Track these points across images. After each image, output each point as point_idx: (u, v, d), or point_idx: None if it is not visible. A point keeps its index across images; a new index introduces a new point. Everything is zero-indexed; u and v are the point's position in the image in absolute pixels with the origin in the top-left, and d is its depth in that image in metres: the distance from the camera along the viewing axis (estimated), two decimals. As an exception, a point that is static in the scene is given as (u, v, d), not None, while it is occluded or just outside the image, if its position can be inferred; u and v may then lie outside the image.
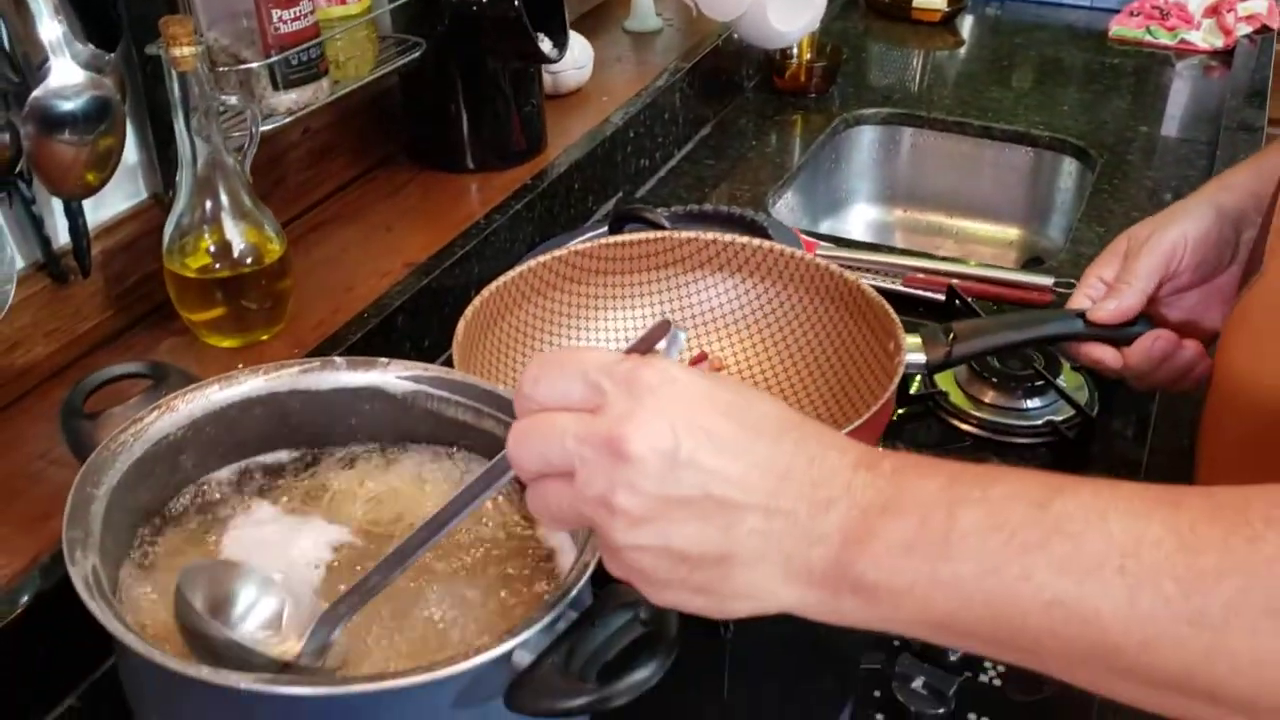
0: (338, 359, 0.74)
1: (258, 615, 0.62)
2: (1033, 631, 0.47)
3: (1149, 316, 0.91)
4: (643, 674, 0.54)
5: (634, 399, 0.49)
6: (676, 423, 0.49)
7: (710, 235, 1.01)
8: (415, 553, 0.58)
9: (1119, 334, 0.91)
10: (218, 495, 0.73)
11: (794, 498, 0.49)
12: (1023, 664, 0.49)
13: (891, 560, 0.48)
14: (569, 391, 0.51)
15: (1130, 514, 0.46)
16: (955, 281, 1.12)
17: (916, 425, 1.03)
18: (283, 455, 0.75)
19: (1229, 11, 1.83)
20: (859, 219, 1.65)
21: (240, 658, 0.58)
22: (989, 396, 1.02)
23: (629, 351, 0.53)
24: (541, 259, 0.99)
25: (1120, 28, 1.88)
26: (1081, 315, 0.92)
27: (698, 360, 1.00)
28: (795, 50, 1.63)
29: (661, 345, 0.53)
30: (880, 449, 0.52)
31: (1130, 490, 0.47)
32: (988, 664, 0.79)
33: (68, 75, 0.84)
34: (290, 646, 0.60)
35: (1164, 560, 0.45)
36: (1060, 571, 0.46)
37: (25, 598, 0.74)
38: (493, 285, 0.95)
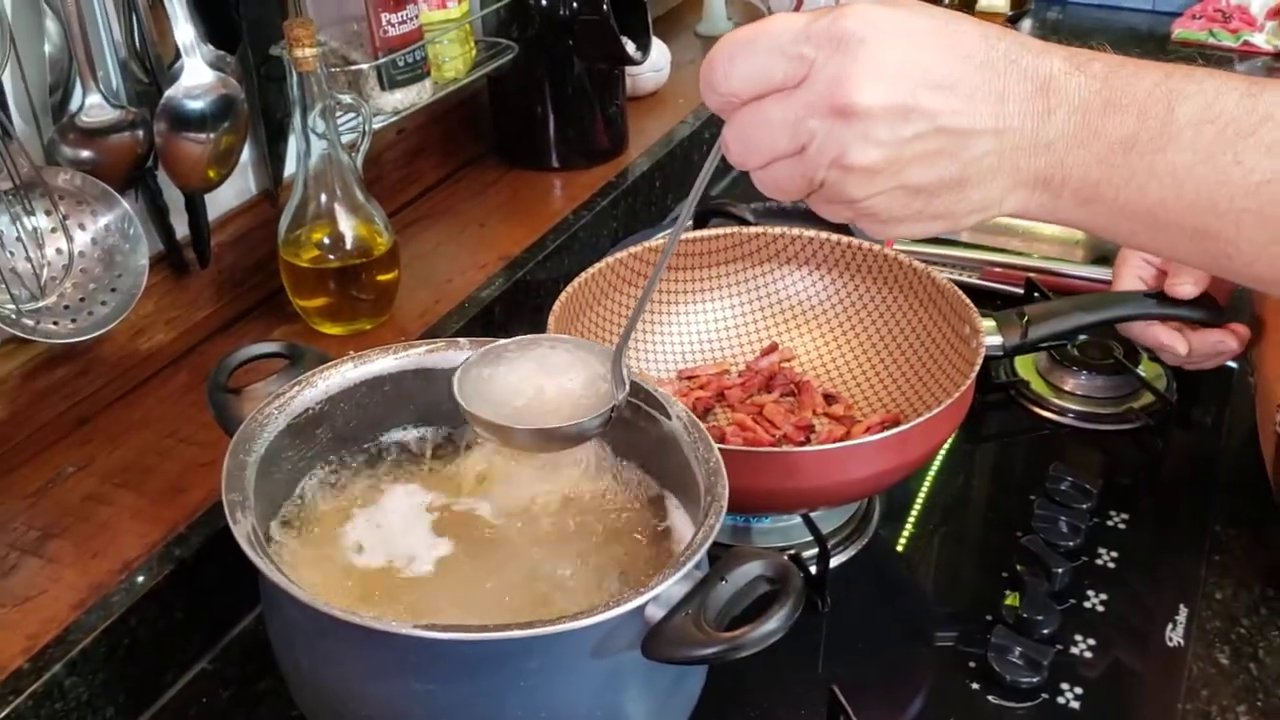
0: (461, 340, 0.78)
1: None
2: (1238, 213, 0.51)
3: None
4: (772, 624, 0.58)
5: (844, 54, 0.49)
6: (895, 68, 0.49)
7: (791, 230, 1.05)
8: (657, 275, 0.62)
9: (1190, 313, 0.93)
10: (351, 468, 0.77)
11: (1018, 114, 0.51)
12: (1205, 257, 0.54)
13: (1111, 156, 0.51)
14: (769, 70, 0.50)
15: None
16: (1033, 275, 1.15)
17: (1000, 413, 1.06)
18: (410, 431, 0.79)
19: (1293, 13, 1.84)
20: (926, 218, 1.67)
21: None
22: (1069, 384, 1.05)
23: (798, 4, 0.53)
24: (630, 250, 1.03)
25: (1183, 30, 1.89)
26: (1154, 296, 0.94)
27: (769, 351, 1.03)
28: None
29: None
30: (1085, 50, 0.53)
31: None
32: (1079, 637, 0.82)
33: (198, 76, 0.90)
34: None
35: None
36: (1270, 153, 0.50)
37: (164, 566, 0.79)
38: (581, 277, 0.98)
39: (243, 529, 0.63)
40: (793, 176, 0.53)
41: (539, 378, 0.71)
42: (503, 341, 0.73)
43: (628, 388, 0.68)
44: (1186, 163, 0.51)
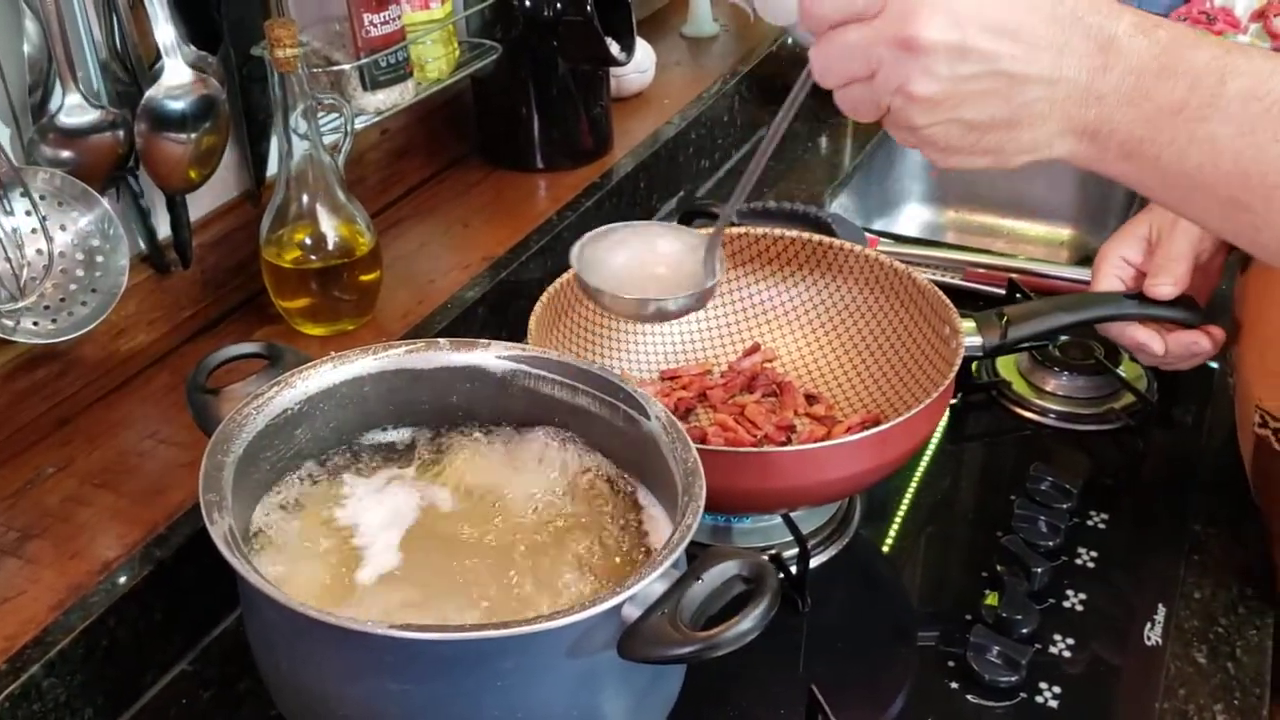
0: (441, 340, 0.78)
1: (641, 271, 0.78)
2: (1269, 189, 0.55)
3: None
4: (747, 624, 0.58)
5: None
6: (959, 11, 0.54)
7: (774, 231, 1.05)
8: (751, 180, 0.71)
9: (1169, 313, 0.94)
10: (331, 469, 0.77)
11: (1074, 67, 0.55)
12: (1237, 227, 0.58)
13: (1159, 118, 0.55)
14: (852, 1, 0.56)
15: None
16: (1015, 276, 1.15)
17: (981, 413, 1.07)
18: (391, 432, 0.80)
19: (1276, 16, 1.85)
20: (912, 219, 1.68)
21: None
22: (1051, 385, 1.05)
23: None
24: (615, 252, 1.03)
25: (1168, 32, 1.90)
26: (1133, 296, 0.95)
27: (751, 351, 1.04)
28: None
29: None
30: (1155, 17, 0.57)
31: None
32: (1057, 637, 0.82)
33: (179, 76, 0.90)
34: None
35: None
36: None
37: (144, 567, 0.79)
38: (563, 278, 0.98)
39: (220, 530, 0.63)
40: (864, 99, 0.58)
41: (648, 258, 0.79)
42: (616, 225, 0.81)
43: (718, 276, 0.77)
44: (1228, 134, 0.55)
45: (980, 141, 0.58)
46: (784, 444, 0.92)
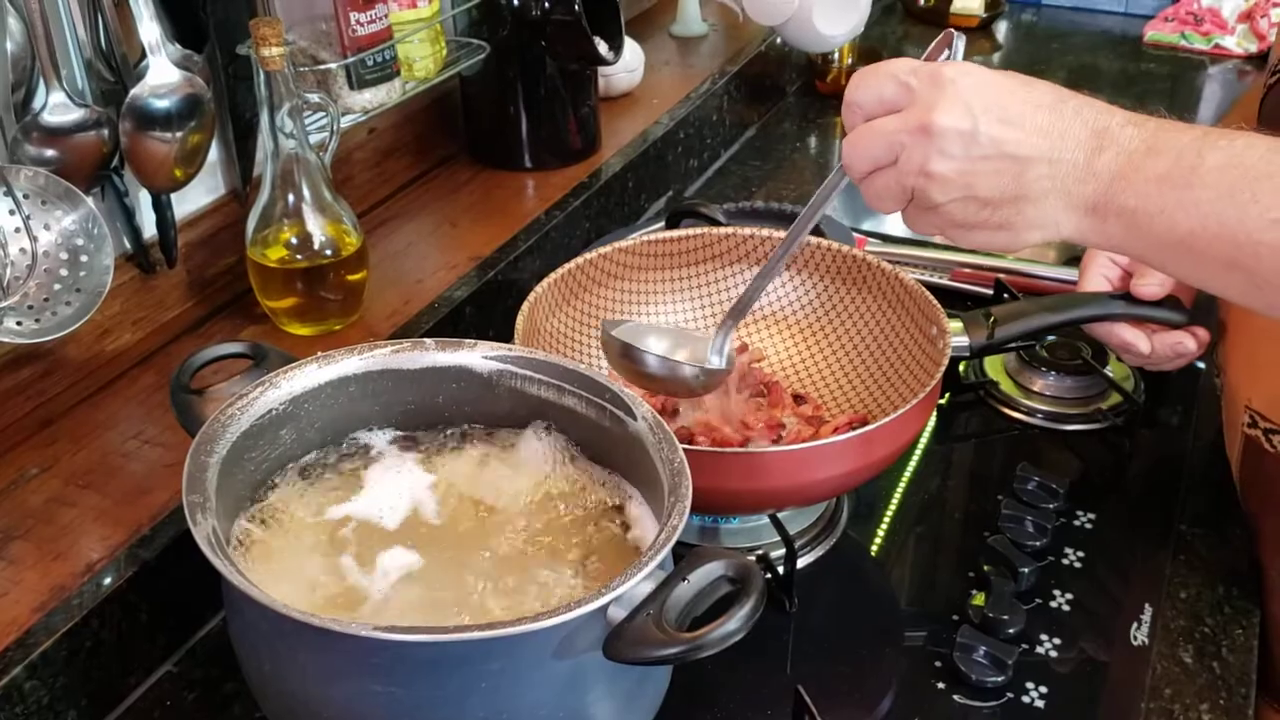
0: (427, 340, 0.78)
1: (662, 344, 0.84)
2: (1255, 248, 0.60)
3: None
4: (732, 625, 0.58)
5: (937, 89, 0.63)
6: (973, 104, 0.62)
7: (761, 231, 1.04)
8: (775, 267, 0.78)
9: (1156, 314, 0.94)
10: (317, 469, 0.77)
11: (1073, 149, 0.63)
12: (1239, 287, 0.63)
13: (1147, 188, 0.62)
14: (883, 90, 0.65)
15: None
16: (1003, 276, 1.15)
17: (969, 413, 1.07)
18: (377, 432, 0.79)
19: (1263, 16, 1.85)
20: (899, 220, 1.68)
21: (671, 371, 0.82)
22: (1038, 385, 1.06)
23: (923, 60, 0.68)
24: (601, 250, 1.03)
25: (1155, 33, 1.91)
26: (1120, 297, 0.95)
27: (739, 351, 1.04)
28: (836, 55, 1.67)
29: (946, 54, 0.68)
30: (1143, 114, 0.65)
31: None
32: (1044, 636, 0.82)
33: (164, 75, 0.89)
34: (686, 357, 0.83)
35: None
36: None
37: (128, 568, 0.78)
38: (551, 277, 0.98)
39: (203, 531, 0.62)
40: (889, 184, 0.66)
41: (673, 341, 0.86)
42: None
43: (723, 363, 0.83)
44: (1210, 198, 0.61)
45: (993, 217, 0.65)
46: (774, 443, 0.92)
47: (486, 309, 1.11)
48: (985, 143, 0.63)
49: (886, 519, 0.95)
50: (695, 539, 0.90)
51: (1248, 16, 1.87)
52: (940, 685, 0.79)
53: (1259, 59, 1.83)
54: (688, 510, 0.64)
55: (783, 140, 1.60)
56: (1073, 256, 1.55)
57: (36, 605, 0.75)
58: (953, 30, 0.69)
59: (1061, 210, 0.64)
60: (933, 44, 0.69)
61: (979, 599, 0.84)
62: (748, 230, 1.05)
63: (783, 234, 1.04)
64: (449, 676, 0.59)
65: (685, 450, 0.69)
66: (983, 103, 0.63)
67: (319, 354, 0.76)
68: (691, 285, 1.06)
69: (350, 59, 1.04)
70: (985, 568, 0.86)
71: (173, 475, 0.86)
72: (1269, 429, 0.88)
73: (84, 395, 0.95)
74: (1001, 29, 2.00)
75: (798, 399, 0.99)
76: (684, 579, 0.60)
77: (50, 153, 0.86)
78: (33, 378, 0.92)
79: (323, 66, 1.04)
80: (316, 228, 0.99)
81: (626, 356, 0.83)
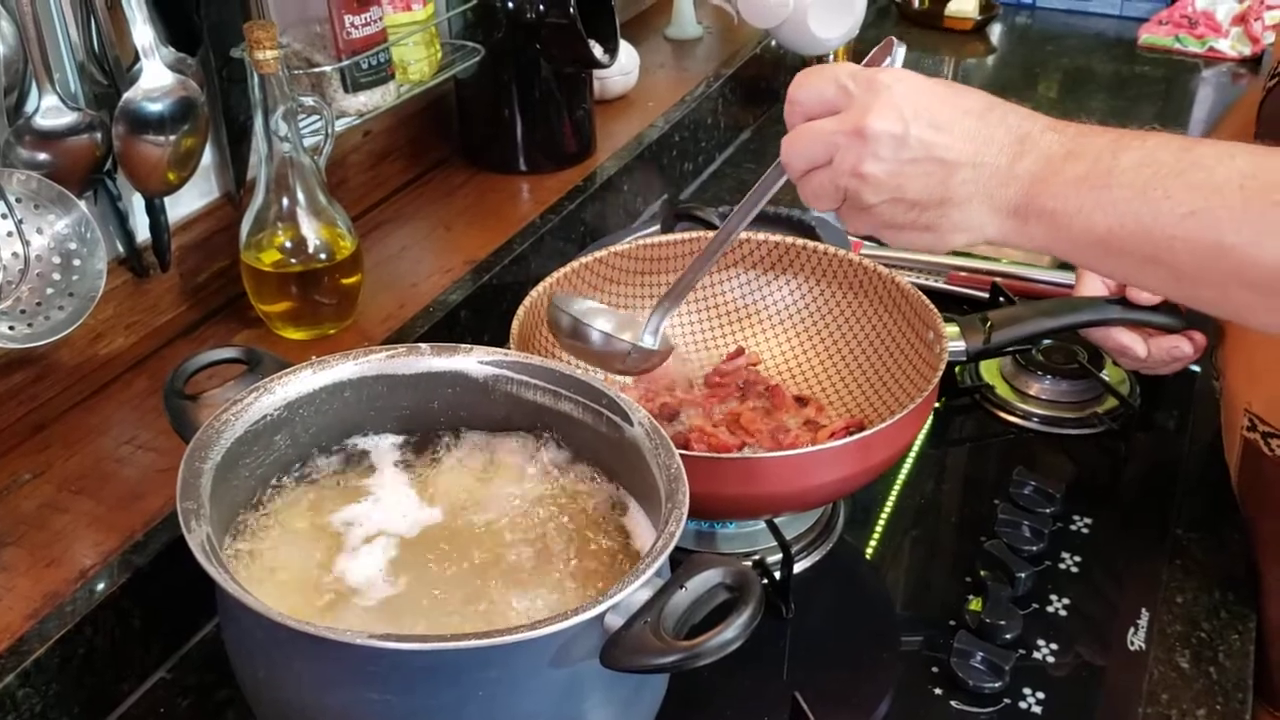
0: (423, 345, 0.78)
1: (606, 323, 0.86)
2: (1169, 242, 0.62)
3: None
4: (730, 633, 0.57)
5: (872, 94, 0.65)
6: (905, 109, 0.65)
7: (758, 235, 1.04)
8: (713, 256, 0.80)
9: (1152, 318, 0.94)
10: (312, 475, 0.77)
11: (995, 154, 0.65)
12: (1161, 281, 0.65)
13: (1066, 190, 0.64)
14: (824, 92, 0.67)
15: (1253, 153, 0.62)
16: (999, 279, 1.15)
17: (964, 417, 1.07)
18: (372, 438, 0.79)
19: (1256, 20, 1.86)
20: (895, 222, 1.68)
21: (607, 347, 0.85)
22: (1034, 389, 1.05)
23: (864, 65, 0.70)
24: (597, 255, 1.03)
25: (1150, 36, 1.91)
26: (1116, 301, 0.95)
27: (735, 355, 1.03)
28: (831, 58, 1.66)
29: (888, 60, 0.70)
30: (1065, 121, 0.67)
31: (1260, 145, 0.63)
32: (1041, 642, 0.82)
33: (158, 78, 0.89)
34: (630, 338, 0.85)
35: (1276, 179, 0.60)
36: (1194, 190, 0.61)
37: (121, 574, 0.78)
38: (546, 281, 0.98)
39: (197, 538, 0.62)
40: (824, 184, 0.68)
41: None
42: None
43: (656, 343, 0.86)
44: (1125, 197, 0.63)
45: (920, 218, 0.67)
46: (778, 449, 0.91)
47: (482, 313, 1.11)
48: (915, 146, 0.65)
49: (883, 524, 0.95)
50: (692, 544, 0.90)
51: (1242, 20, 1.87)
52: (937, 691, 0.79)
53: (1253, 62, 1.83)
54: (684, 517, 0.64)
55: (778, 143, 1.59)
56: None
57: (29, 612, 0.75)
58: (893, 38, 0.71)
59: (985, 213, 0.66)
60: (874, 50, 0.71)
61: (976, 604, 0.84)
62: (744, 233, 1.04)
63: (778, 238, 1.04)
64: (446, 685, 0.59)
65: (682, 456, 0.69)
66: (914, 108, 0.65)
67: (314, 359, 0.76)
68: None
69: (345, 62, 1.03)
70: (982, 573, 0.86)
71: (166, 480, 0.85)
72: (1268, 432, 0.88)
73: (77, 400, 0.95)
74: (996, 32, 2.00)
75: (800, 400, 0.99)
76: (681, 586, 0.60)
77: (43, 156, 0.86)
78: (25, 382, 0.91)
79: (317, 69, 1.04)
80: (311, 231, 0.98)
81: (573, 333, 0.86)
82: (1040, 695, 0.78)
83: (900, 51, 0.70)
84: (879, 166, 0.65)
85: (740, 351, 1.04)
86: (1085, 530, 0.92)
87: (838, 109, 0.67)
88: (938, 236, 0.68)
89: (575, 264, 1.01)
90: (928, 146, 0.65)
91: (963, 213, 0.66)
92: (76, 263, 0.87)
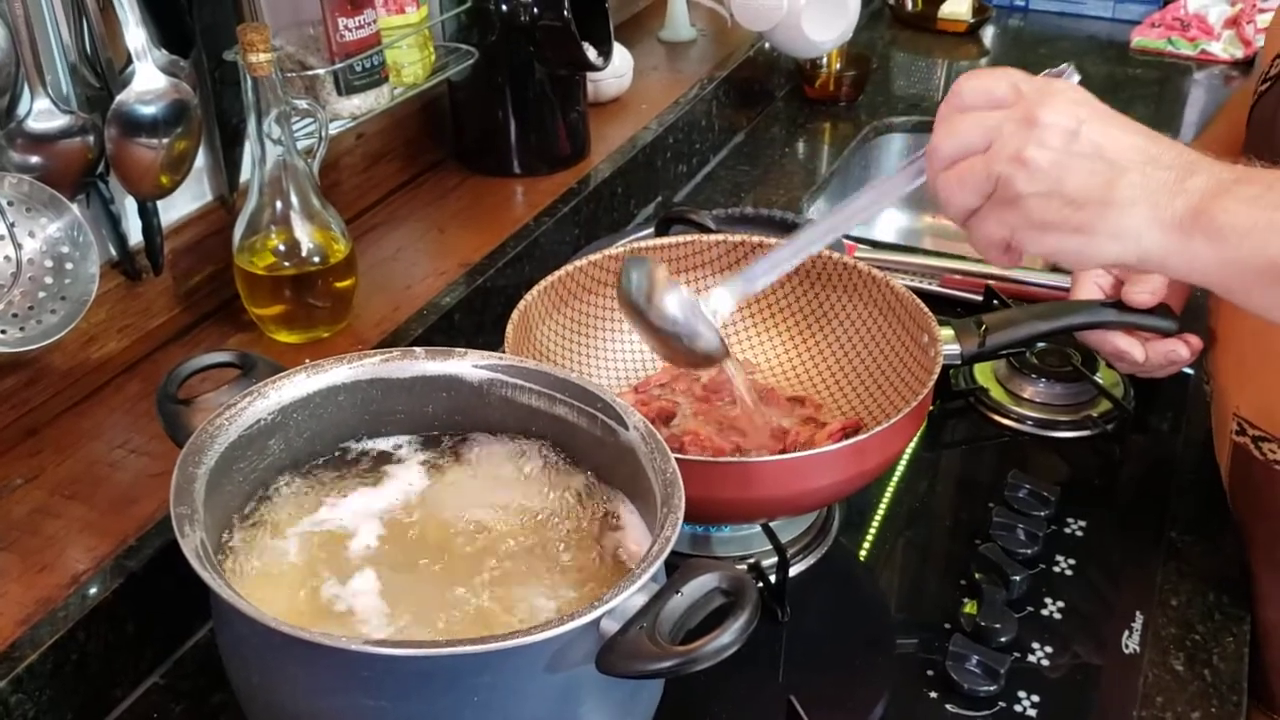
0: (417, 349, 0.77)
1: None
2: None
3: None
4: (726, 638, 0.57)
5: (1046, 92, 0.64)
6: (1079, 109, 0.64)
7: (752, 238, 1.04)
8: (821, 240, 0.74)
9: (1147, 321, 0.94)
10: (306, 479, 0.76)
11: (1165, 167, 0.64)
12: None
13: (1239, 207, 0.62)
14: (994, 89, 0.65)
15: None
16: (993, 282, 1.15)
17: (959, 420, 1.07)
18: (367, 442, 0.79)
19: (1248, 23, 1.86)
20: (889, 225, 1.68)
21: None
22: (1028, 392, 1.06)
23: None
24: (591, 258, 1.03)
25: (1142, 39, 1.91)
26: (1112, 304, 0.95)
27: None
28: (825, 60, 1.67)
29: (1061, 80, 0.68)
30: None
31: None
32: (1036, 645, 0.82)
33: (150, 81, 0.88)
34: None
35: None
36: None
37: (114, 579, 0.77)
38: (541, 284, 0.98)
39: (191, 543, 0.62)
40: (975, 171, 0.65)
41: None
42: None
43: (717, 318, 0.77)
44: None
45: (1074, 216, 0.64)
46: (780, 452, 0.91)
47: (476, 316, 1.11)
48: (1085, 142, 0.63)
49: (877, 527, 0.95)
50: (687, 548, 0.90)
51: (1234, 23, 1.88)
52: (933, 694, 0.79)
53: (1245, 65, 1.83)
54: (680, 521, 0.64)
55: (771, 145, 1.59)
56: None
57: (22, 618, 0.75)
58: (1070, 65, 0.70)
59: (1147, 222, 0.63)
60: (1048, 70, 0.70)
61: (971, 607, 0.84)
62: (737, 237, 1.05)
63: (772, 240, 1.04)
64: (441, 691, 0.59)
65: (678, 460, 0.69)
66: (1089, 110, 0.64)
67: (308, 363, 0.75)
68: (682, 292, 1.06)
69: (338, 65, 1.03)
70: (977, 575, 0.86)
71: (159, 485, 0.85)
72: (1257, 436, 0.88)
73: (69, 404, 0.94)
74: (989, 34, 2.01)
75: (796, 401, 0.99)
76: (677, 591, 0.60)
77: (35, 159, 0.86)
78: (17, 386, 0.91)
79: (310, 72, 1.04)
80: (304, 234, 0.98)
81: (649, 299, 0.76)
82: (1035, 698, 0.78)
83: (1074, 75, 0.69)
84: (1044, 154, 0.63)
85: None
86: (1080, 533, 0.93)
87: (1005, 105, 0.65)
88: (1088, 241, 0.64)
89: (569, 267, 1.00)
90: (1098, 145, 0.63)
91: (1123, 218, 0.63)
92: (69, 266, 0.87)
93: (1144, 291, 0.93)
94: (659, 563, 0.61)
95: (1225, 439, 0.92)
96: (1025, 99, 0.64)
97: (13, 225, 0.84)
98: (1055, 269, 1.22)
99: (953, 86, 0.67)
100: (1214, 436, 0.97)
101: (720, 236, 1.05)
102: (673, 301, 0.76)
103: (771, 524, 0.86)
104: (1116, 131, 0.64)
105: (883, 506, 0.97)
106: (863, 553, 0.93)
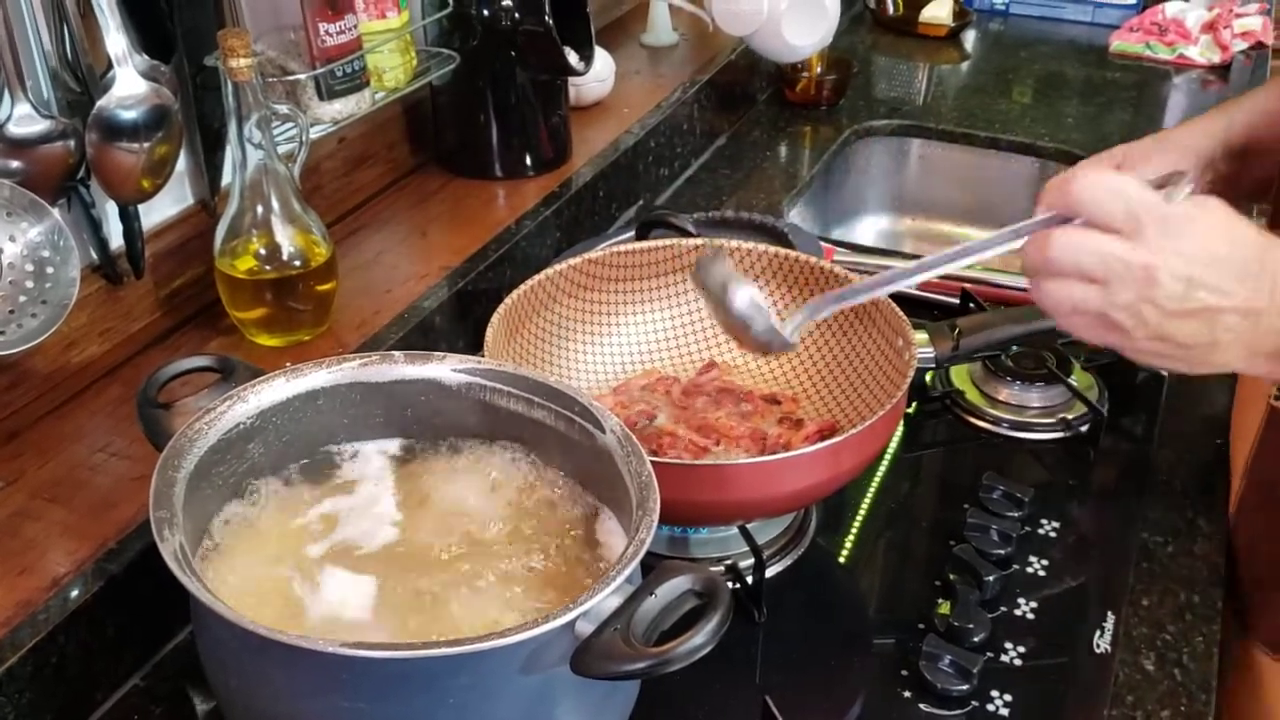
0: (396, 353, 0.78)
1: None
2: None
3: None
4: (699, 639, 0.58)
5: (1165, 236, 0.66)
6: (1194, 260, 0.66)
7: (731, 242, 1.05)
8: (902, 280, 0.72)
9: None
10: (286, 484, 0.77)
11: (1266, 301, 0.67)
12: None
13: None
14: (1113, 212, 0.66)
15: None
16: (969, 285, 1.16)
17: (935, 423, 1.08)
18: (346, 445, 0.79)
19: (1225, 28, 1.88)
20: (870, 228, 1.69)
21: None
22: (1003, 394, 1.07)
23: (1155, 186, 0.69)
24: (571, 262, 1.03)
25: (1121, 43, 1.93)
26: None
27: (707, 369, 1.04)
28: (806, 64, 1.68)
29: (1177, 193, 0.69)
30: None
31: None
32: (1009, 645, 0.83)
33: (131, 85, 0.88)
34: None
35: None
36: None
37: (94, 582, 0.78)
38: (521, 288, 0.98)
39: (170, 546, 0.62)
40: (1089, 300, 0.67)
41: None
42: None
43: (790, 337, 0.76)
44: None
45: (1176, 353, 0.69)
46: (759, 452, 0.92)
47: (456, 319, 1.11)
48: (1195, 301, 0.67)
49: (854, 528, 0.96)
50: (664, 549, 0.91)
51: (1211, 27, 1.89)
52: (906, 694, 0.80)
53: (1222, 69, 1.85)
54: (655, 524, 0.65)
55: (753, 148, 1.60)
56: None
57: (1, 620, 0.75)
58: (1183, 171, 0.72)
59: (1243, 356, 0.69)
60: (1162, 176, 0.71)
61: (944, 608, 0.85)
62: (718, 241, 1.05)
63: (750, 245, 1.05)
64: (417, 692, 0.59)
65: (653, 463, 0.70)
66: (1204, 255, 0.66)
67: (287, 367, 0.76)
68: (662, 296, 1.07)
69: (319, 70, 1.03)
70: (951, 576, 0.87)
71: (140, 488, 0.86)
72: None
73: (50, 408, 0.94)
74: (969, 38, 2.02)
75: (772, 400, 0.99)
76: (651, 593, 0.61)
77: (15, 164, 0.86)
78: (-2, 390, 0.91)
79: (291, 77, 1.04)
80: (285, 238, 0.98)
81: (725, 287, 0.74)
82: (1008, 697, 0.80)
83: (1189, 187, 0.70)
84: (1156, 313, 0.67)
85: (712, 365, 1.05)
86: (1053, 534, 0.94)
87: (1119, 232, 0.66)
88: (1187, 367, 0.71)
89: (550, 271, 1.01)
90: (1206, 297, 0.66)
91: (1221, 355, 0.69)
92: (49, 270, 0.87)
93: None
94: (634, 565, 0.62)
95: (1257, 405, 0.93)
96: (1144, 238, 0.66)
97: (-7, 230, 0.84)
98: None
99: (1066, 182, 0.67)
100: (1233, 418, 1.00)
101: (701, 241, 1.06)
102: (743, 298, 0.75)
103: (749, 525, 0.87)
104: (1229, 281, 0.67)
105: (860, 508, 0.98)
106: (840, 554, 0.94)
